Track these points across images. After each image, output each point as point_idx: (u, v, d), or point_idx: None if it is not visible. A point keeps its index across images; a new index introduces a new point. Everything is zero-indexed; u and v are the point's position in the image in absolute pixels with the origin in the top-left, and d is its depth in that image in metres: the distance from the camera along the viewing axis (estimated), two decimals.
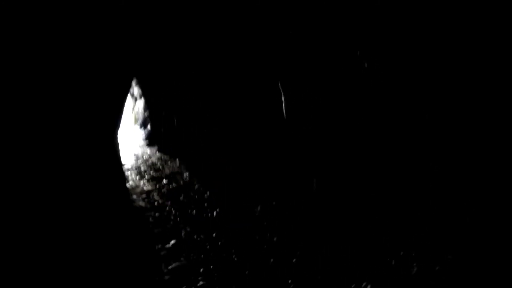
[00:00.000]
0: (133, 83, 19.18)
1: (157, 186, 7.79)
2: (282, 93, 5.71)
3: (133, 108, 21.12)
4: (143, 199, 6.73)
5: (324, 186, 4.91)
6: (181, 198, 6.88)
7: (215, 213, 5.98)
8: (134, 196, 6.86)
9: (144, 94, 16.93)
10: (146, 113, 17.28)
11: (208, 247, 4.74)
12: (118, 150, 5.59)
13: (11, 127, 3.15)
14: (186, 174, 8.78)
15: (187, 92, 10.59)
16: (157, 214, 5.91)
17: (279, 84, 5.74)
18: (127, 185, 7.69)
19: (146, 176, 8.71)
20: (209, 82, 8.82)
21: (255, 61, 6.25)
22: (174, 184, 7.91)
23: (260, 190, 6.45)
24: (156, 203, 6.56)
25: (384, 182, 4.31)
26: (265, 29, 5.64)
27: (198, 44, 8.28)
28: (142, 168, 9.52)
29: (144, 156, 11.20)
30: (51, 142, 3.53)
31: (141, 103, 18.61)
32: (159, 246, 4.69)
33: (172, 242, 4.82)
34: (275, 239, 4.87)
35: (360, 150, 4.61)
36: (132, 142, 14.06)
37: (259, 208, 5.88)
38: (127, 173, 8.94)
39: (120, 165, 6.02)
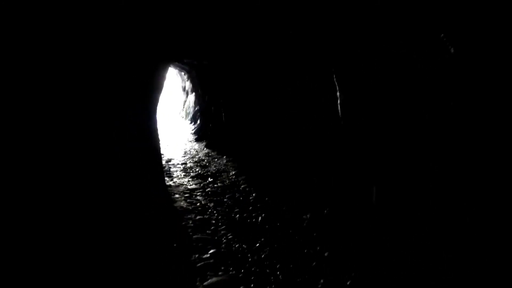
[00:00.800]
0: (185, 77, 19.18)
1: (202, 184, 7.44)
2: (337, 88, 5.06)
3: (185, 102, 21.19)
4: (185, 199, 6.37)
5: (385, 196, 4.22)
6: (225, 199, 6.45)
7: (260, 218, 5.47)
8: (176, 195, 6.52)
9: (195, 88, 16.83)
10: (196, 108, 17.18)
11: (250, 259, 4.25)
12: (155, 145, 5.23)
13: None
14: (232, 173, 8.37)
15: (236, 87, 10.18)
16: (198, 217, 5.51)
17: (334, 78, 5.09)
18: (171, 183, 7.40)
19: (191, 173, 8.41)
20: (258, 76, 8.32)
21: (307, 51, 5.64)
22: (219, 183, 7.51)
23: (311, 195, 5.85)
24: (198, 204, 6.18)
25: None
26: (320, 10, 5.01)
27: (246, 34, 7.80)
28: (188, 165, 9.25)
29: (191, 152, 10.97)
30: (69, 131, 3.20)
31: (192, 97, 18.56)
32: (196, 255, 4.26)
33: (211, 251, 4.38)
34: (326, 254, 4.27)
35: (426, 156, 3.89)
36: (181, 137, 13.96)
37: (308, 216, 5.29)
38: (173, 169, 8.69)
39: (158, 162, 5.67)
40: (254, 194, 6.66)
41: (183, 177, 8.02)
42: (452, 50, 3.01)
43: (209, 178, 7.93)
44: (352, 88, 5.00)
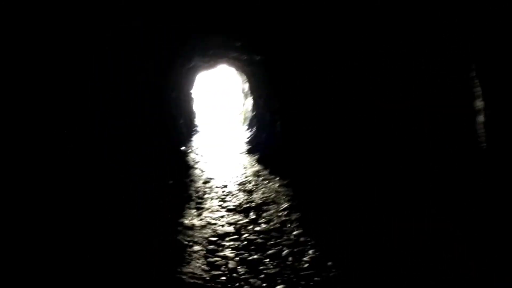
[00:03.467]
0: (244, 77, 17.27)
1: (238, 224, 5.27)
2: (481, 92, 2.62)
3: (243, 106, 19.29)
4: (206, 255, 4.24)
5: None
6: (266, 259, 4.21)
7: None
8: (195, 247, 4.40)
9: (251, 90, 14.85)
10: (254, 113, 15.15)
11: None
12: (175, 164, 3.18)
13: None
14: (284, 205, 6.10)
15: (298, 87, 7.90)
16: None
17: (475, 74, 2.65)
18: (196, 220, 5.30)
19: (230, 202, 6.29)
20: (330, 68, 6.01)
21: (421, 27, 3.24)
22: (263, 224, 5.30)
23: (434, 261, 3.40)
24: (223, 267, 4.01)
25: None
26: None
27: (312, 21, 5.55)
28: (229, 188, 7.15)
29: (238, 169, 8.89)
30: None
31: (250, 100, 16.57)
32: None
33: None
34: None
35: None
36: (233, 148, 11.97)
37: None
38: (207, 196, 6.63)
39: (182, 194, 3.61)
40: (311, 252, 4.35)
41: (217, 210, 5.91)
42: None
43: (250, 213, 5.75)
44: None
